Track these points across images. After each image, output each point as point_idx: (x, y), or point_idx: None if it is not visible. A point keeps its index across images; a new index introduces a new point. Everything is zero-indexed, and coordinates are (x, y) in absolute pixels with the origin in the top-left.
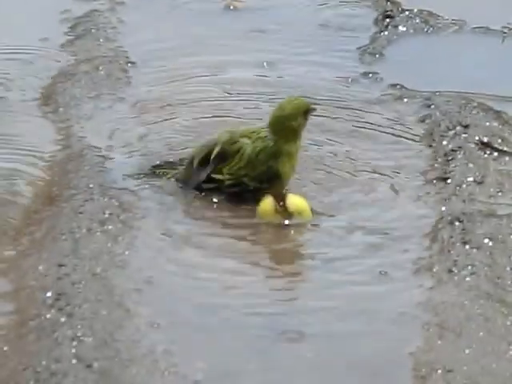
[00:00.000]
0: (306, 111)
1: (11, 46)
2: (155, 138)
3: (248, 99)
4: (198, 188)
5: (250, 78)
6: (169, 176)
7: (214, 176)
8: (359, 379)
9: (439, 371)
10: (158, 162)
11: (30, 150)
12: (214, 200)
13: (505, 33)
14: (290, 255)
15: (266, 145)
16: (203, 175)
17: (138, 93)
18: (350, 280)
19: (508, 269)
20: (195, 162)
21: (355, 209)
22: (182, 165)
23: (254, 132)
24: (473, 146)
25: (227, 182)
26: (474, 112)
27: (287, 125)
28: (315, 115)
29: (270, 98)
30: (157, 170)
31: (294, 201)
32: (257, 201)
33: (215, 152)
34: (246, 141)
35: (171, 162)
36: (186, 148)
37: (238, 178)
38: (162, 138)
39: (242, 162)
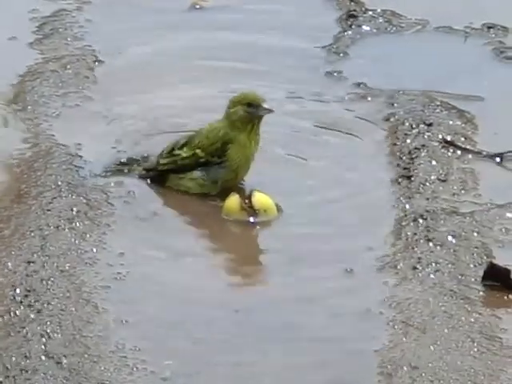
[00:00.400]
0: (248, 104)
1: None
2: (122, 135)
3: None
4: (155, 169)
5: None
6: (136, 172)
7: (173, 152)
8: (324, 377)
9: (405, 368)
10: (124, 160)
11: None
12: (181, 196)
13: (467, 32)
14: (255, 253)
15: (218, 126)
16: (163, 152)
17: (105, 91)
18: (315, 277)
19: (471, 266)
20: (164, 150)
21: (317, 207)
22: (141, 162)
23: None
24: (436, 144)
25: (182, 155)
26: (437, 110)
27: (227, 111)
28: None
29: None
30: (124, 168)
31: (260, 198)
32: (223, 197)
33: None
34: (205, 127)
35: (137, 159)
36: (153, 144)
37: (193, 150)
38: (129, 136)
39: (198, 137)
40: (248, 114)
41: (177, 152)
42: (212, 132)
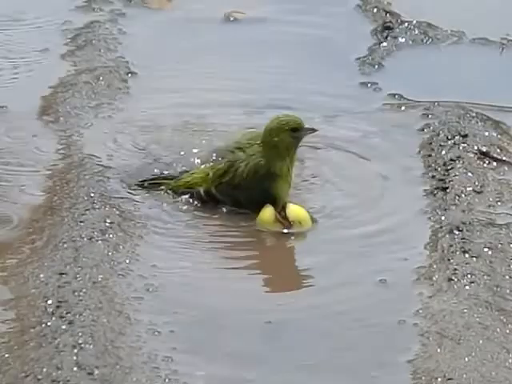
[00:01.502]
0: (293, 129)
1: (13, 57)
2: (156, 148)
3: (246, 112)
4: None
5: (247, 89)
6: (169, 187)
7: (212, 191)
8: None
9: (439, 379)
10: (157, 172)
11: (30, 160)
12: (215, 208)
13: (503, 44)
14: (289, 264)
15: (258, 162)
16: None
17: (138, 103)
18: (350, 288)
19: (507, 277)
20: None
21: (355, 217)
22: (173, 177)
23: (249, 141)
24: (472, 155)
25: (220, 198)
26: (472, 122)
27: (271, 140)
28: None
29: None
30: (157, 180)
31: (294, 210)
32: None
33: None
34: (239, 154)
35: (171, 174)
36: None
37: (232, 196)
38: (162, 148)
39: (236, 180)
40: (294, 139)
41: (216, 195)
42: (253, 167)
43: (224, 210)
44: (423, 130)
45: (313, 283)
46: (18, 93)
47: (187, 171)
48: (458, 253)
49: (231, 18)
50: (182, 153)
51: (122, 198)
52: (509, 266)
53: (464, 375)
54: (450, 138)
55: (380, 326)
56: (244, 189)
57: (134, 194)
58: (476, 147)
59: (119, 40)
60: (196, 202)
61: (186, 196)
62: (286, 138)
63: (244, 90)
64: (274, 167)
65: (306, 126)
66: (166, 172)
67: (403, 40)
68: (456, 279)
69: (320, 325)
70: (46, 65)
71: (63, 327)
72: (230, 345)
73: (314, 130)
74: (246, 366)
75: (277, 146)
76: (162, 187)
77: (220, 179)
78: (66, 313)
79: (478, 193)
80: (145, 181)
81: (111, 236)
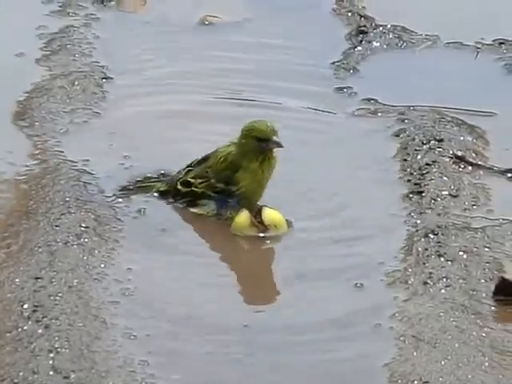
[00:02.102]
0: (258, 139)
1: None
2: (132, 152)
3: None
4: (174, 195)
5: (224, 91)
6: (147, 190)
7: (188, 179)
8: None
9: (415, 382)
10: (135, 177)
11: (5, 165)
12: (192, 210)
13: (478, 48)
14: (264, 268)
15: (231, 151)
16: (178, 176)
17: (114, 107)
18: (325, 292)
19: (482, 281)
20: (181, 173)
21: (329, 222)
22: (158, 180)
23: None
24: (447, 160)
25: (198, 182)
26: (447, 126)
27: (240, 141)
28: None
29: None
30: (134, 184)
31: (270, 214)
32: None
33: (196, 158)
34: (221, 146)
35: (148, 177)
36: (163, 161)
37: (207, 179)
38: (138, 153)
39: (211, 162)
40: (259, 147)
41: (192, 181)
42: (223, 159)
43: (193, 211)
44: (398, 134)
45: (289, 286)
46: None
47: (168, 175)
48: (433, 256)
49: (206, 22)
50: (160, 158)
51: (98, 202)
52: (484, 269)
53: (440, 378)
54: (425, 142)
55: (356, 329)
56: (215, 171)
57: (110, 199)
58: (451, 152)
59: (94, 45)
60: (171, 206)
61: (164, 200)
62: (249, 143)
63: (220, 91)
64: (242, 161)
65: (274, 138)
66: (148, 175)
67: (378, 44)
68: (431, 283)
69: (295, 328)
70: (21, 69)
71: (39, 331)
72: (206, 348)
73: (279, 146)
74: (222, 369)
75: (244, 147)
76: (147, 190)
77: (199, 163)
78: (42, 317)
79: (454, 197)
80: (128, 185)
81: (86, 240)
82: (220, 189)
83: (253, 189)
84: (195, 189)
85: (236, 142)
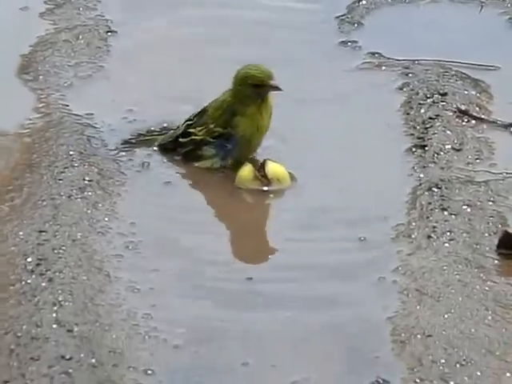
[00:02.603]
0: (254, 85)
1: None
2: (136, 106)
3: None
4: (175, 147)
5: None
6: (149, 143)
7: (188, 130)
8: (338, 343)
9: (418, 336)
10: (138, 130)
11: (9, 118)
12: (196, 165)
13: (482, 2)
14: (268, 221)
15: (226, 98)
16: (180, 130)
17: (118, 61)
18: (329, 245)
19: (486, 235)
20: (180, 126)
21: (333, 175)
22: (162, 133)
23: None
24: (450, 114)
25: (198, 130)
26: (451, 80)
27: (236, 87)
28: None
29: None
30: (137, 138)
31: (273, 168)
32: (235, 168)
33: (194, 113)
34: (218, 97)
35: (152, 130)
36: (166, 113)
37: (205, 125)
38: (142, 107)
39: (209, 112)
40: (255, 93)
41: (192, 130)
42: (219, 106)
43: (196, 165)
44: (402, 88)
45: (292, 239)
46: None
47: (172, 128)
48: (436, 210)
49: None
50: (164, 111)
51: (101, 156)
52: (488, 223)
53: (443, 332)
54: (429, 96)
55: (360, 283)
56: (213, 118)
57: (114, 153)
58: (455, 105)
59: None
60: (174, 160)
61: (167, 154)
62: (246, 89)
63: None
64: (239, 106)
65: (272, 82)
66: (152, 129)
67: None
68: (435, 237)
69: (301, 280)
70: (25, 23)
71: (43, 285)
72: (209, 301)
73: (278, 89)
74: (224, 322)
75: (240, 93)
76: (150, 143)
77: (197, 116)
78: (46, 270)
79: (457, 150)
80: (132, 139)
81: (90, 194)
82: (218, 133)
83: (251, 132)
84: (195, 137)
85: (231, 89)
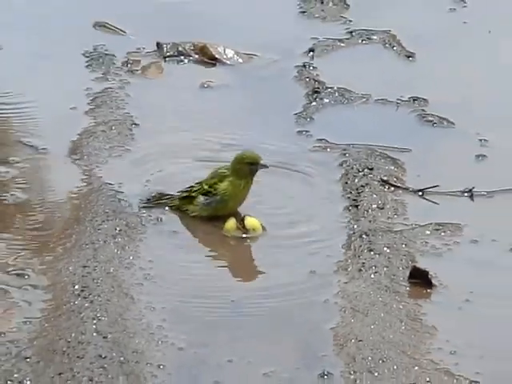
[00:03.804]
0: (250, 163)
1: (50, 114)
2: (153, 177)
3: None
4: (179, 208)
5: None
6: (162, 204)
7: (191, 187)
8: (295, 346)
9: (352, 341)
10: (155, 194)
11: (63, 187)
12: (191, 215)
13: (398, 103)
14: (244, 259)
15: (223, 171)
16: (182, 194)
17: (140, 146)
18: (289, 276)
19: (400, 269)
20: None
21: (292, 226)
22: (172, 196)
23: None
24: (376, 183)
25: (194, 190)
26: (377, 159)
27: (234, 167)
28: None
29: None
30: (154, 200)
31: (250, 220)
32: (223, 220)
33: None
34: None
35: (165, 194)
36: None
37: (200, 186)
38: (157, 178)
39: (206, 178)
40: (250, 170)
41: (192, 194)
42: (217, 174)
43: (198, 221)
44: (342, 164)
45: (262, 271)
46: (55, 137)
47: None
48: (365, 251)
49: (205, 85)
50: (177, 181)
51: (128, 213)
52: (401, 260)
53: (370, 338)
54: (360, 170)
55: (311, 303)
56: (206, 182)
57: (137, 210)
58: (379, 177)
59: (126, 101)
60: (180, 215)
61: (175, 211)
62: (243, 167)
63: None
64: (230, 177)
65: (262, 162)
66: (164, 193)
67: (327, 101)
68: (364, 270)
69: (267, 301)
70: (74, 118)
71: (86, 305)
72: (204, 315)
73: (266, 167)
74: (216, 331)
75: (237, 171)
76: (165, 204)
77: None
78: (88, 295)
79: (381, 209)
80: (149, 200)
81: (120, 240)
82: (206, 190)
83: (231, 194)
84: (191, 193)
85: (229, 168)
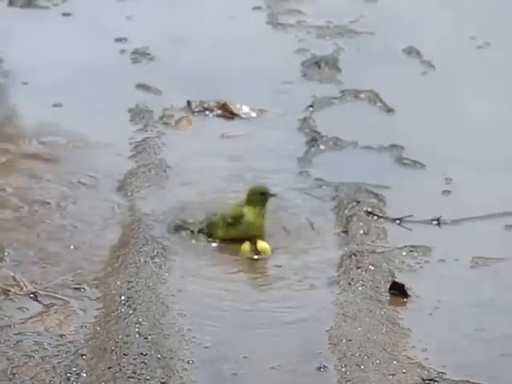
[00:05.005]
0: (261, 193)
1: (101, 159)
2: (183, 209)
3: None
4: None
5: (230, 174)
6: (192, 230)
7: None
8: (297, 344)
9: (343, 340)
10: (184, 221)
11: (112, 216)
12: (216, 245)
13: (381, 150)
14: (256, 274)
15: (239, 203)
16: (207, 221)
17: (172, 184)
18: (290, 290)
19: (382, 282)
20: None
21: (292, 249)
22: (198, 223)
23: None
24: (362, 213)
25: (217, 217)
26: (362, 194)
27: (248, 197)
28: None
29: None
30: (184, 227)
31: (261, 244)
32: (240, 244)
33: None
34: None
35: (192, 222)
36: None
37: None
38: (187, 209)
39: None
40: (262, 199)
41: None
42: (236, 210)
43: (221, 244)
44: (334, 198)
45: (268, 284)
46: (105, 177)
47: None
48: (354, 268)
49: (224, 135)
50: (202, 208)
51: (163, 237)
52: (383, 276)
53: (358, 338)
54: (349, 203)
55: (310, 311)
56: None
57: (170, 236)
58: (365, 208)
59: (162, 148)
60: (203, 240)
61: (201, 236)
62: (256, 197)
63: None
64: (246, 208)
65: (271, 192)
66: (191, 220)
67: (323, 147)
68: (353, 283)
69: (273, 310)
70: (120, 163)
71: (130, 312)
72: (223, 322)
73: (274, 196)
74: (234, 331)
75: (251, 201)
76: (192, 230)
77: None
78: (132, 304)
79: (366, 234)
80: (179, 226)
81: (157, 260)
82: (231, 217)
83: (250, 220)
84: (213, 220)
85: (242, 201)
